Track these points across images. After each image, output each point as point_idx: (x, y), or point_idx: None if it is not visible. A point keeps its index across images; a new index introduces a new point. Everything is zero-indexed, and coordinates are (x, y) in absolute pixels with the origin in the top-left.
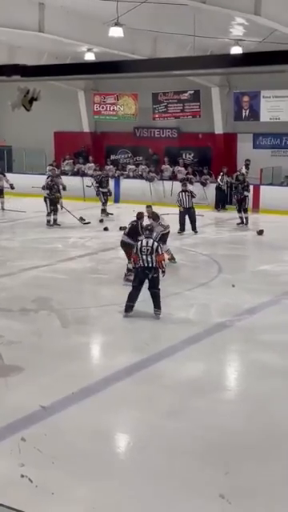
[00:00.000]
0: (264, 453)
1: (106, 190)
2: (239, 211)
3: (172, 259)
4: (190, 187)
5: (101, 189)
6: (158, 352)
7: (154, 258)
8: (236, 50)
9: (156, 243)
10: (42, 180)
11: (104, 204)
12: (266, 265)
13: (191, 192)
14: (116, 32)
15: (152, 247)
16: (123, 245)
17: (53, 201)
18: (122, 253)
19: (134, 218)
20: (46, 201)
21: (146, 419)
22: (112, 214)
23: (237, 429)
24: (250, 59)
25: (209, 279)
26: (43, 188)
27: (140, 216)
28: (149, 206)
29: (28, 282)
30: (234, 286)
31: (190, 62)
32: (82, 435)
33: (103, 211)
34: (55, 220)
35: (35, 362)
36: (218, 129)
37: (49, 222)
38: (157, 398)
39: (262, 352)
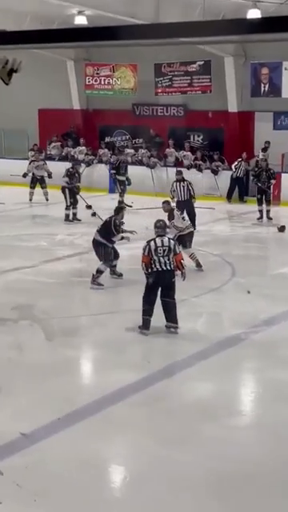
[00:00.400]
0: (285, 487)
1: (123, 178)
2: (260, 203)
3: (198, 266)
4: (199, 175)
5: (118, 176)
6: (159, 370)
7: (171, 258)
8: (253, 14)
9: (172, 241)
10: (23, 166)
11: (121, 194)
12: (287, 267)
13: (189, 184)
14: None
15: (169, 246)
16: (95, 244)
17: (73, 191)
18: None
19: (128, 210)
20: (64, 191)
21: (145, 448)
22: (131, 207)
23: (253, 459)
24: (270, 24)
25: (220, 284)
26: (63, 176)
27: (118, 211)
28: (165, 202)
29: (7, 287)
30: (249, 292)
31: (200, 28)
32: (69, 467)
33: (120, 204)
34: (75, 214)
35: (14, 381)
36: (232, 106)
37: (68, 216)
38: (158, 423)
39: (281, 370)
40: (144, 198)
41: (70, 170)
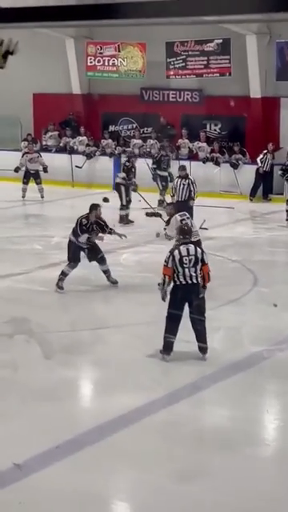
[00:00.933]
0: None
1: (166, 174)
2: None
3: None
4: (216, 169)
5: (159, 171)
6: (169, 392)
7: (198, 270)
8: None
9: (200, 249)
10: (15, 159)
11: (161, 193)
12: None
13: (191, 182)
14: None
15: (195, 255)
16: (68, 243)
17: (129, 189)
18: (123, 258)
19: (144, 211)
20: (120, 189)
21: (151, 481)
22: (158, 215)
23: (275, 496)
24: None
25: (240, 294)
26: (120, 171)
27: (91, 209)
28: (170, 204)
29: None
30: (276, 305)
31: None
32: (67, 502)
33: (160, 203)
34: (127, 216)
35: (6, 404)
36: (255, 91)
37: (123, 218)
38: (167, 453)
39: None
40: (153, 195)
41: (127, 164)
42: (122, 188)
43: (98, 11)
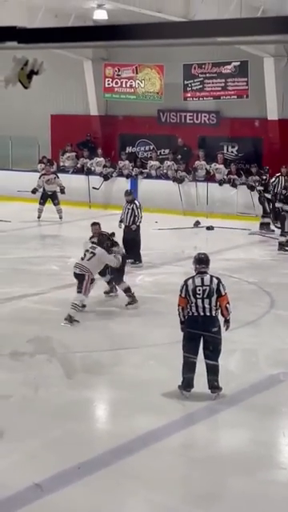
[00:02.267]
0: None
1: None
2: None
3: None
4: (233, 191)
5: (266, 194)
6: (185, 415)
7: (214, 302)
8: None
9: (216, 279)
10: (32, 179)
11: (266, 215)
12: None
13: (136, 208)
14: None
15: (210, 286)
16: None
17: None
18: (139, 279)
19: (152, 231)
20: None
21: (168, 504)
22: (273, 231)
23: None
24: None
25: (256, 316)
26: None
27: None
28: (95, 224)
29: (14, 316)
30: None
31: (239, 27)
32: None
33: (263, 226)
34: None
35: (27, 424)
36: (272, 113)
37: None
38: (183, 476)
39: None
40: (171, 216)
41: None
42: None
43: (116, 32)
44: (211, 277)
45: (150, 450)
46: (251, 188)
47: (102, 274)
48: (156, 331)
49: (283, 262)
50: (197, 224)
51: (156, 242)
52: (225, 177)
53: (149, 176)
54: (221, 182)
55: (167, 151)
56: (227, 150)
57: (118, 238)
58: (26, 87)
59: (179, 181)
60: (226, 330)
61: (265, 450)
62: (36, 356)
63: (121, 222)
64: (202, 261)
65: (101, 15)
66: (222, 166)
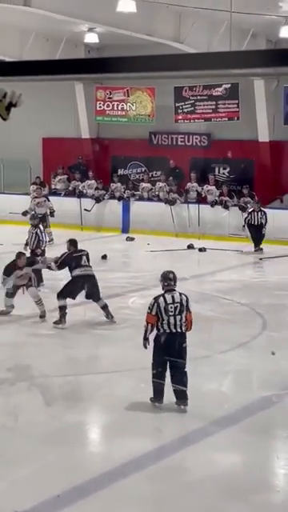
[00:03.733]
0: None
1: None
2: None
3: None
4: (225, 213)
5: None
6: (177, 438)
7: (183, 318)
8: (287, 31)
9: (185, 297)
10: (24, 202)
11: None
12: None
13: (41, 232)
14: (127, 6)
15: (181, 303)
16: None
17: None
18: (131, 301)
19: (144, 253)
20: None
21: None
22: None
23: None
24: None
25: (249, 338)
26: None
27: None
28: (20, 254)
29: (2, 340)
30: (274, 353)
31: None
32: None
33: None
34: None
35: (8, 452)
36: (263, 135)
37: None
38: (178, 499)
39: None
40: (163, 238)
41: None
42: None
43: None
44: (180, 294)
45: (144, 473)
46: (243, 209)
47: (89, 297)
48: (148, 354)
49: (275, 283)
50: (190, 247)
51: (148, 264)
52: (216, 198)
53: (141, 198)
54: (212, 204)
55: (159, 173)
56: (219, 172)
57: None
58: (4, 119)
59: (171, 203)
60: (185, 345)
61: (259, 472)
62: (16, 383)
63: (26, 245)
64: (169, 278)
65: (92, 38)
66: (213, 188)
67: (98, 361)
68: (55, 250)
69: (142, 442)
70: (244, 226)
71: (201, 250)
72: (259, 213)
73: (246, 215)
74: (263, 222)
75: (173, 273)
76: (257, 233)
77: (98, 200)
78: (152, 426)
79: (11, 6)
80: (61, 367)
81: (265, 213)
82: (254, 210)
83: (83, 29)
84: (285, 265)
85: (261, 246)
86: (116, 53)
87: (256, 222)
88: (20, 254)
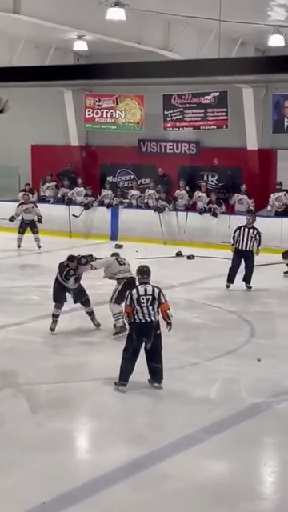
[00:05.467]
0: None
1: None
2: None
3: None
4: (213, 220)
5: None
6: (165, 445)
7: (156, 309)
8: (276, 40)
9: (157, 289)
10: (13, 209)
11: None
12: None
13: None
14: (116, 14)
15: (153, 295)
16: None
17: None
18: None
19: (133, 260)
20: None
21: None
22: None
23: None
24: None
25: (237, 345)
26: None
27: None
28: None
29: None
30: (259, 360)
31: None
32: None
33: None
34: None
35: (4, 457)
36: (252, 143)
37: None
38: (165, 507)
39: None
40: (151, 245)
41: None
42: None
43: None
44: (153, 287)
45: (131, 480)
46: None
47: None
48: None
49: (263, 291)
50: (179, 254)
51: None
52: (205, 206)
53: (129, 205)
54: (201, 211)
55: (148, 181)
56: (207, 180)
57: None
58: None
59: (160, 210)
60: (169, 330)
61: (247, 480)
62: (3, 390)
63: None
64: (144, 272)
65: (81, 46)
66: (204, 195)
67: (85, 368)
68: (43, 256)
69: (130, 449)
70: (232, 245)
71: (189, 257)
72: (251, 230)
73: (235, 230)
74: (255, 244)
75: (147, 267)
76: (241, 264)
77: (86, 207)
78: (139, 433)
79: (0, 14)
80: (48, 374)
81: (258, 232)
82: (245, 226)
83: (72, 36)
84: (273, 273)
85: (250, 285)
86: (105, 60)
87: (244, 246)
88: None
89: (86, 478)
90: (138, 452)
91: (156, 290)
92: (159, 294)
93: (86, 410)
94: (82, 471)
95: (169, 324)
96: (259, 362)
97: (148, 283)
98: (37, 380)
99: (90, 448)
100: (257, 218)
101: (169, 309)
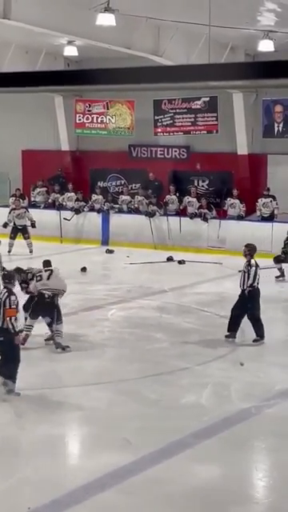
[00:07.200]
0: None
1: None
2: (279, 261)
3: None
4: (204, 225)
5: None
6: (157, 450)
7: (1, 313)
8: (266, 45)
9: (6, 294)
10: (3, 214)
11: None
12: None
13: None
14: (106, 19)
15: (1, 298)
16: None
17: None
18: (110, 313)
19: (127, 265)
20: None
21: None
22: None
23: None
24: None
25: (228, 350)
26: None
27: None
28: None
29: None
30: (242, 364)
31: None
32: None
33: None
34: None
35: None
36: (242, 148)
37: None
38: None
39: None
40: (142, 250)
41: None
42: None
43: (86, 76)
44: (3, 291)
45: (123, 485)
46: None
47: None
48: (126, 366)
49: None
50: (170, 259)
51: (127, 277)
52: (196, 211)
53: (120, 210)
54: (192, 216)
55: (138, 185)
56: (198, 185)
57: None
58: None
59: (150, 215)
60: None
61: (237, 484)
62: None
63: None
64: (5, 276)
65: (71, 51)
66: (194, 200)
67: (74, 373)
68: (34, 262)
69: (120, 454)
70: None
71: (180, 262)
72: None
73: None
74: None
75: (8, 271)
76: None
77: (77, 211)
78: (130, 438)
79: None
80: (37, 380)
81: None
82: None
83: (63, 42)
84: (264, 277)
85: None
86: (95, 66)
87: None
88: None
89: (76, 483)
90: (128, 457)
91: (5, 295)
92: (5, 299)
93: (76, 415)
94: (72, 477)
95: (15, 332)
96: (242, 366)
97: (6, 287)
98: (26, 386)
99: (79, 453)
100: (247, 223)
101: (13, 315)
